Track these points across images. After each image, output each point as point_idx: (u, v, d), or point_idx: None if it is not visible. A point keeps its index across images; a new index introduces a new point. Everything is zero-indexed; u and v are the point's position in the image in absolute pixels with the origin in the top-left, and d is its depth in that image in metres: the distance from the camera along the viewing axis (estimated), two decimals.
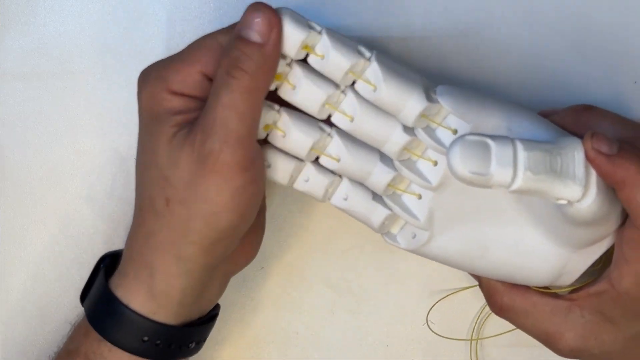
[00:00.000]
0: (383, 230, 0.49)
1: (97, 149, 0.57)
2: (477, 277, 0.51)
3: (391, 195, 0.48)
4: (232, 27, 0.45)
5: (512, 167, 0.41)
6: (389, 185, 0.47)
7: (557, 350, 0.49)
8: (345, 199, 0.48)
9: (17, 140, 0.57)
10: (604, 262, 0.48)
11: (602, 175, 0.43)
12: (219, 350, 0.57)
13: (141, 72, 0.47)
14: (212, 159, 0.43)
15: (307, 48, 0.44)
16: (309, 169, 0.48)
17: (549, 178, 0.41)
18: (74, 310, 0.56)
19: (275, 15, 0.43)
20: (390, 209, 0.48)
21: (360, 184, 0.48)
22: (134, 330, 0.46)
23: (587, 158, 0.43)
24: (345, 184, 0.48)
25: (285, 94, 0.46)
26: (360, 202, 0.48)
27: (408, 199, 0.48)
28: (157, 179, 0.45)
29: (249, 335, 0.57)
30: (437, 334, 0.57)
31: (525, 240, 0.47)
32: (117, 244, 0.57)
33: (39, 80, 0.57)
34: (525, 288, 0.49)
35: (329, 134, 0.47)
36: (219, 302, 0.56)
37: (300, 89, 0.45)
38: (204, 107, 0.44)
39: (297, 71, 0.45)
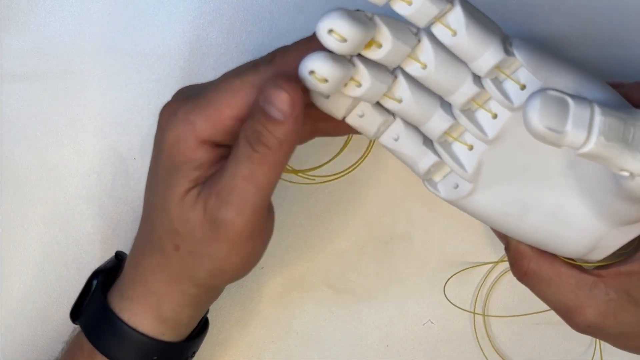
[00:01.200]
0: (427, 176, 0.48)
1: (97, 149, 0.57)
2: (504, 240, 0.51)
3: (442, 142, 0.47)
4: (260, 63, 0.44)
5: (586, 129, 0.40)
6: (444, 132, 0.46)
7: (574, 324, 0.48)
8: (396, 140, 0.47)
9: (17, 140, 0.57)
10: (636, 245, 0.48)
11: None
12: (219, 350, 0.57)
13: (166, 107, 0.45)
14: (224, 227, 0.43)
15: None
16: (365, 105, 0.47)
17: (620, 147, 0.40)
18: None
19: (298, 94, 0.41)
20: (439, 156, 0.47)
21: (413, 126, 0.47)
22: (143, 351, 0.47)
23: None
24: (398, 124, 0.47)
25: (371, 55, 0.44)
26: (410, 144, 0.47)
27: (459, 149, 0.47)
28: (167, 227, 0.45)
29: (249, 335, 0.57)
30: (452, 303, 0.57)
31: (567, 208, 0.47)
32: (117, 244, 0.57)
33: (39, 80, 0.57)
34: (553, 257, 0.48)
35: (394, 75, 0.46)
36: (219, 303, 0.56)
37: (385, 48, 0.43)
38: (221, 169, 0.43)
39: (385, 31, 0.43)
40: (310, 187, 0.56)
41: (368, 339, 0.57)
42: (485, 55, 0.44)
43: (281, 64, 0.43)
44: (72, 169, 0.57)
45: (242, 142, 0.42)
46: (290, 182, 0.56)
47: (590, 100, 0.41)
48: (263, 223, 0.44)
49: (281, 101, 0.40)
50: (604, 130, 0.40)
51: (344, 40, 0.41)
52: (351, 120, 0.47)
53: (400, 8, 0.42)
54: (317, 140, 0.54)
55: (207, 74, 0.56)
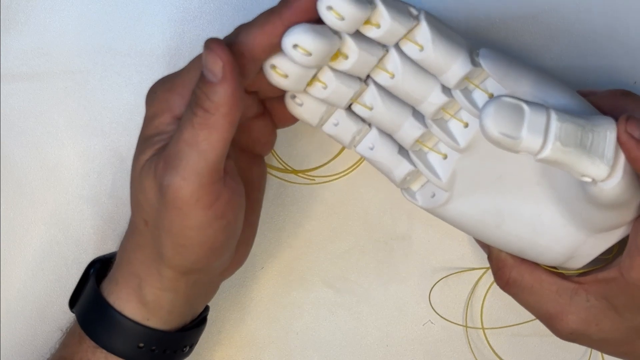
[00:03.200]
0: (404, 185, 0.49)
1: (97, 149, 0.57)
2: (487, 249, 0.51)
3: (417, 151, 0.48)
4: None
5: (542, 135, 0.41)
6: (417, 141, 0.47)
7: (557, 331, 0.49)
8: (371, 149, 0.48)
9: (17, 140, 0.57)
10: (615, 252, 0.48)
11: (630, 159, 0.43)
12: (219, 350, 0.57)
13: (149, 89, 0.46)
14: (170, 193, 0.42)
15: (367, 22, 0.43)
16: (340, 114, 0.48)
17: (578, 152, 0.41)
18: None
19: (224, 51, 0.40)
20: (414, 164, 0.48)
21: (388, 135, 0.48)
22: (129, 337, 0.46)
23: (619, 140, 0.42)
24: (373, 134, 0.48)
25: (338, 66, 0.45)
26: (385, 153, 0.48)
27: (433, 158, 0.48)
28: (133, 200, 0.45)
29: (249, 335, 0.57)
30: (442, 317, 0.57)
31: (543, 217, 0.47)
32: (117, 244, 0.57)
33: (39, 80, 0.57)
34: (534, 265, 0.49)
35: (365, 83, 0.46)
36: (219, 303, 0.56)
37: (351, 60, 0.44)
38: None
39: (350, 43, 0.44)
40: (310, 187, 0.56)
41: (368, 339, 0.57)
42: (453, 68, 0.44)
43: (244, 42, 0.43)
44: (72, 169, 0.57)
45: (186, 108, 0.42)
46: (290, 182, 0.56)
47: (548, 106, 0.41)
48: (215, 192, 0.43)
49: (212, 62, 0.41)
50: (561, 135, 0.41)
51: (309, 54, 0.42)
52: (327, 128, 0.48)
53: (369, 31, 0.43)
54: (317, 140, 0.54)
55: None
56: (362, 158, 0.55)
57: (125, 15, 0.56)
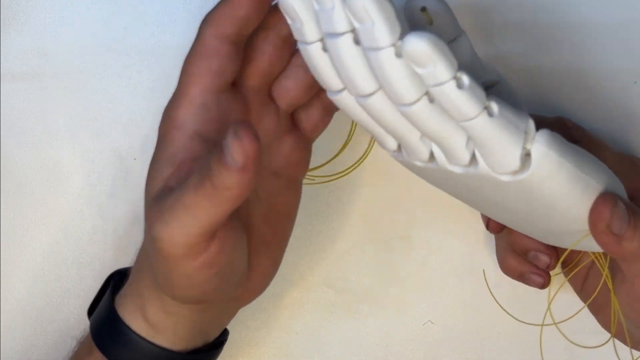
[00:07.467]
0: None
1: (97, 149, 0.57)
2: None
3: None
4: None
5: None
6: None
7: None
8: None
9: (17, 140, 0.57)
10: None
11: (609, 252, 0.43)
12: None
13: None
14: (157, 244, 0.41)
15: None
16: None
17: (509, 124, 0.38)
18: (74, 310, 0.56)
19: (252, 143, 0.38)
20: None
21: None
22: (136, 352, 0.46)
23: (595, 234, 0.41)
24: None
25: None
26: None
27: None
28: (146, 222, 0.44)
29: (249, 335, 0.57)
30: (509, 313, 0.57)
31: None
32: (117, 245, 0.57)
33: (39, 80, 0.57)
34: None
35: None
36: None
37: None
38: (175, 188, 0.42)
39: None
40: (310, 187, 0.56)
41: (368, 339, 0.57)
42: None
43: None
44: (72, 169, 0.57)
45: (195, 172, 0.41)
46: None
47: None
48: (203, 247, 0.41)
49: (236, 152, 0.38)
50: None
51: None
52: None
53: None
54: (317, 141, 0.54)
55: None
56: (362, 158, 0.55)
57: (125, 15, 0.57)
